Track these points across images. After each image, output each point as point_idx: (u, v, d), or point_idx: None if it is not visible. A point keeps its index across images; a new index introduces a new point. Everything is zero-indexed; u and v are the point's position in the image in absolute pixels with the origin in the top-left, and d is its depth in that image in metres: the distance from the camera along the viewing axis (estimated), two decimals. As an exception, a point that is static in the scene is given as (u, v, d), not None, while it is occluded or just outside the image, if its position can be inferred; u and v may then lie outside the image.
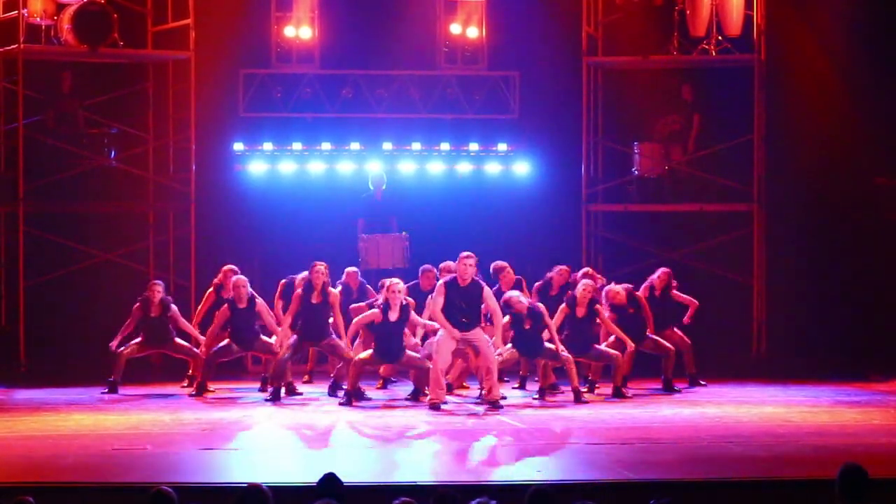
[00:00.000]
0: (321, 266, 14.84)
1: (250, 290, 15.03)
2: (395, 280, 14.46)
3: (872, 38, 17.97)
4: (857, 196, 18.22)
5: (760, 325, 18.22)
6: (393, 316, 14.15)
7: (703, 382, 15.83)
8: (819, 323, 17.92)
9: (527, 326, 14.30)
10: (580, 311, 14.76)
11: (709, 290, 18.10)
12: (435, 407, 13.71)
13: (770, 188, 18.34)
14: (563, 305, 14.75)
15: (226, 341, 15.07)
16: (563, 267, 15.84)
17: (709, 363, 16.43)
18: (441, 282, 14.10)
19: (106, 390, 15.13)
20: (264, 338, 15.06)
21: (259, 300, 15.03)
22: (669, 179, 18.66)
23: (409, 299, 14.59)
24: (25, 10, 17.52)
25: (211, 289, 15.83)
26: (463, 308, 13.89)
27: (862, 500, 7.48)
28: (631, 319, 15.21)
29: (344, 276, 15.93)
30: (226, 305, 15.08)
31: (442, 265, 15.42)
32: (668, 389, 15.28)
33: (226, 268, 15.73)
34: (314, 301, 14.68)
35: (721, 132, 18.58)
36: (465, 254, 14.16)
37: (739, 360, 17.66)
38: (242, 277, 15.15)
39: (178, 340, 15.41)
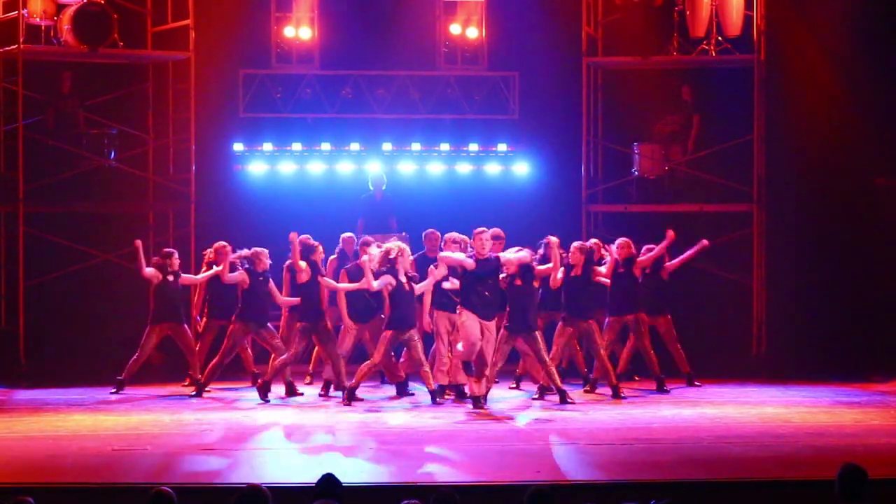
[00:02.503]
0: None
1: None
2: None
3: (872, 38, 17.97)
4: (856, 196, 18.21)
5: (760, 325, 18.22)
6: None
7: (697, 383, 15.80)
8: (818, 323, 17.91)
9: (518, 283, 14.27)
10: (576, 271, 14.87)
11: (709, 291, 18.14)
12: (477, 404, 13.71)
13: (770, 188, 18.34)
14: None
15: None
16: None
17: (709, 363, 16.42)
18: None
19: (114, 389, 15.15)
20: (271, 326, 15.13)
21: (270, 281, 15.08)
22: (669, 180, 18.66)
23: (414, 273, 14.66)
24: (25, 11, 17.52)
25: (204, 268, 15.86)
26: (488, 284, 13.88)
27: (862, 500, 7.48)
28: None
29: (340, 243, 16.05)
30: (243, 270, 14.98)
31: (448, 236, 15.15)
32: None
33: (218, 245, 15.73)
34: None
35: (721, 132, 18.58)
36: (480, 228, 14.23)
37: (739, 360, 17.65)
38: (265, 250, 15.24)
39: (185, 327, 15.42)
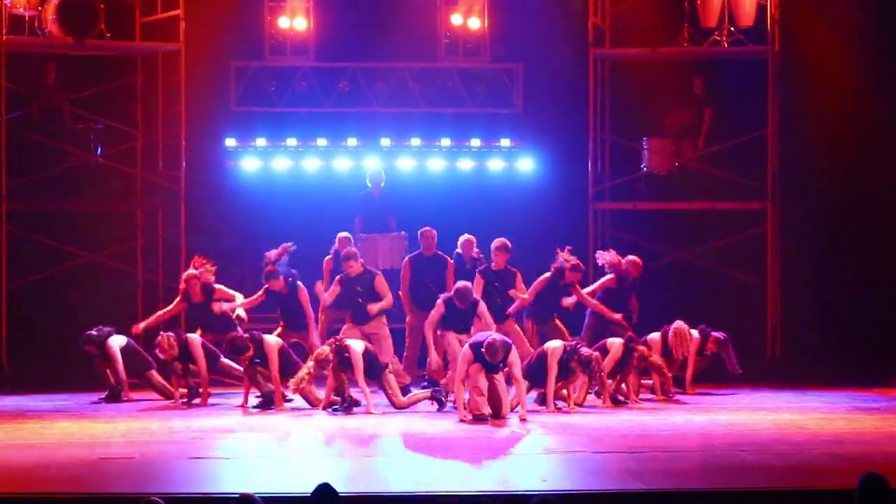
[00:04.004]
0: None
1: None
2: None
3: (890, 28, 17.95)
4: (874, 193, 18.19)
5: (774, 328, 18.21)
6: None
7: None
8: (835, 326, 17.89)
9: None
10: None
11: (720, 292, 18.13)
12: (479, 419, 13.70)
13: (784, 185, 18.33)
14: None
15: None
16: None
17: (720, 368, 16.38)
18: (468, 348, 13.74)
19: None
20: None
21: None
22: (680, 176, 18.65)
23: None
24: (8, 1, 17.51)
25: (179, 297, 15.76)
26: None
27: (882, 510, 7.46)
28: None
29: (336, 243, 16.07)
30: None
31: (463, 239, 15.76)
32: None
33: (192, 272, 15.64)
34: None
35: (733, 127, 18.56)
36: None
37: (753, 364, 17.58)
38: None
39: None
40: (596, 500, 9.47)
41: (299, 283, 15.41)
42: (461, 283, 14.28)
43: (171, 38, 18.16)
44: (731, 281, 18.33)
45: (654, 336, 15.47)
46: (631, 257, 16.19)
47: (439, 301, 14.32)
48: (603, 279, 16.10)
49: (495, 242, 15.55)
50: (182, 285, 15.56)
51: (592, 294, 15.90)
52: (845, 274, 18.21)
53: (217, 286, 15.45)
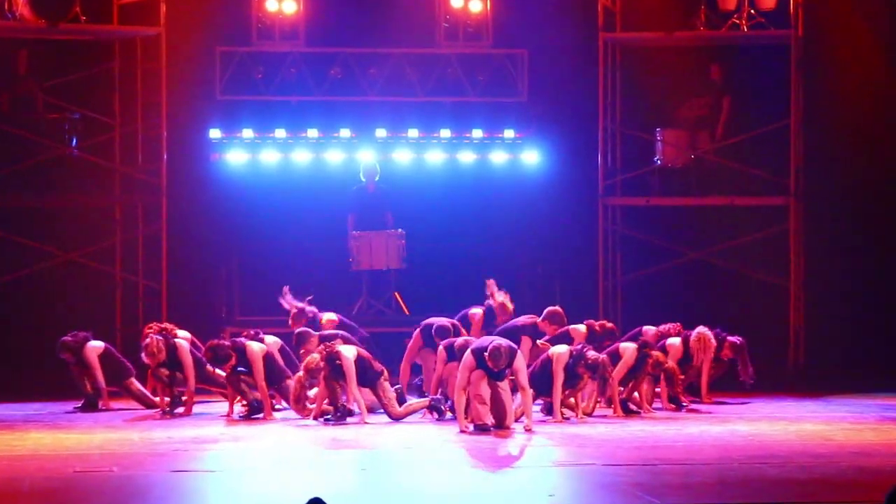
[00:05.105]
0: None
1: None
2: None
3: (921, 11, 17.99)
4: (905, 188, 18.24)
5: (798, 332, 18.22)
6: None
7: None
8: (863, 329, 17.91)
9: None
10: None
11: (739, 294, 18.13)
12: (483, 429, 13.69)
13: (808, 179, 18.34)
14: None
15: None
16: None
17: (736, 375, 16.39)
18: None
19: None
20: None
21: None
22: (696, 170, 18.66)
23: None
24: (-25, -18, 17.54)
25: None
26: None
27: (911, 526, 7.47)
28: None
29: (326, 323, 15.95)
30: None
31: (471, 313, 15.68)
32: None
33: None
34: None
35: (754, 117, 18.58)
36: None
37: (774, 371, 17.64)
38: None
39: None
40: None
41: None
42: (496, 343, 13.47)
43: (150, 22, 18.15)
44: (752, 282, 18.33)
45: (674, 341, 15.47)
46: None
47: (468, 354, 13.66)
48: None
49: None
50: None
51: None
52: (873, 274, 18.22)
53: None
